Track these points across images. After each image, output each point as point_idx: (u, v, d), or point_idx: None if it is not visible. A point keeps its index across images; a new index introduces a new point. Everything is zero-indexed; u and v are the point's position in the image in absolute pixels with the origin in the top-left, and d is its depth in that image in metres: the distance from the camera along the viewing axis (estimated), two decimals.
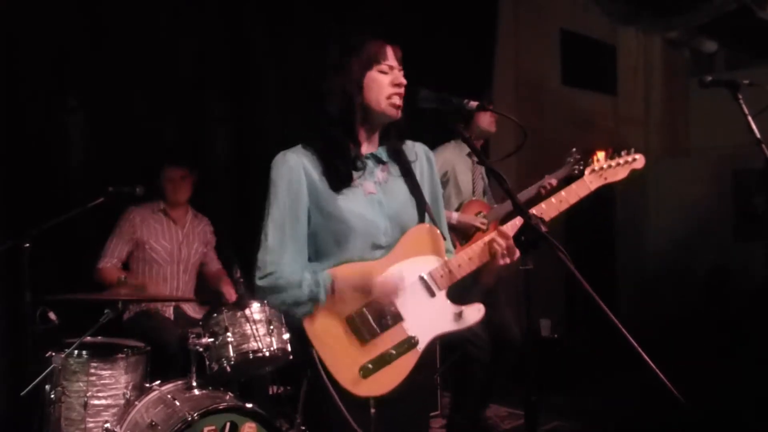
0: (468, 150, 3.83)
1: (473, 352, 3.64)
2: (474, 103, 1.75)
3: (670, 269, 7.06)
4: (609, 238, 7.33)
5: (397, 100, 1.81)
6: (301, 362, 1.82)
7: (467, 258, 1.86)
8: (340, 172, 1.82)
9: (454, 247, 3.73)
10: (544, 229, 1.61)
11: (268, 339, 3.00)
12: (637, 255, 7.48)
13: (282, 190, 1.82)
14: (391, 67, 1.82)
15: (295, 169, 1.82)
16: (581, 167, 3.53)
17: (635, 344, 1.42)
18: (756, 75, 3.14)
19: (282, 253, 1.80)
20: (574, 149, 3.89)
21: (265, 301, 3.06)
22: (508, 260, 1.83)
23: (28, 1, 3.54)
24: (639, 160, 2.10)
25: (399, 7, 4.76)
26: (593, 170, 2.02)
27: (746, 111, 2.34)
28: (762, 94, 2.30)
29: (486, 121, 3.80)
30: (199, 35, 4.17)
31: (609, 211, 7.25)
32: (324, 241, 1.83)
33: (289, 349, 3.04)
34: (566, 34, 6.77)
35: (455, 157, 3.81)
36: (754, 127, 2.32)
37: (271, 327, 3.02)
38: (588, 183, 2.00)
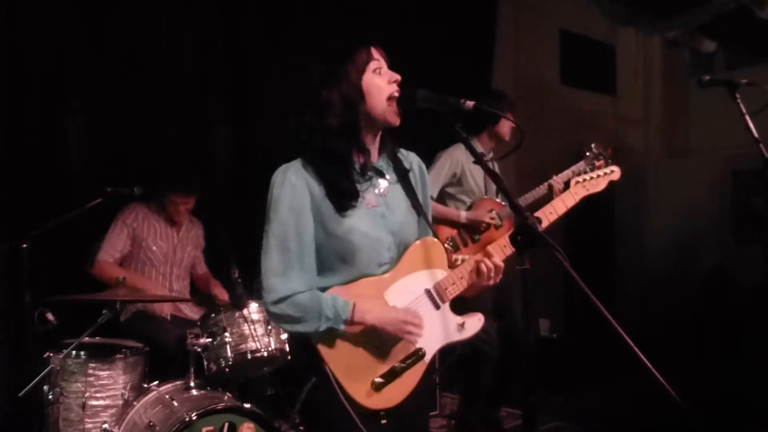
0: (479, 149, 3.84)
1: (484, 349, 3.64)
2: (471, 103, 1.74)
3: (669, 270, 7.05)
4: (608, 238, 7.32)
5: (395, 106, 1.80)
6: (308, 371, 1.81)
7: (469, 270, 1.90)
8: (344, 190, 1.79)
9: (455, 242, 3.76)
10: (540, 228, 1.61)
11: (267, 339, 3.01)
12: (637, 256, 7.47)
13: (284, 209, 1.77)
14: (381, 65, 1.82)
15: (298, 187, 1.78)
16: (603, 161, 3.52)
17: (632, 344, 1.42)
18: (755, 75, 3.15)
19: (289, 275, 1.76)
20: (593, 144, 3.87)
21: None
22: (491, 282, 1.87)
23: (29, 2, 3.54)
24: (615, 172, 2.25)
25: (399, 8, 4.76)
26: (577, 182, 2.17)
27: (744, 111, 2.34)
28: (760, 93, 2.30)
29: (505, 129, 3.84)
30: (199, 37, 4.17)
31: (608, 211, 7.24)
32: (328, 257, 1.81)
33: (288, 349, 3.04)
34: (566, 35, 6.76)
35: (465, 157, 3.79)
36: (752, 126, 2.32)
37: (269, 327, 3.02)
38: (573, 194, 2.13)
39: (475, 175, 3.85)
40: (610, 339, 1.46)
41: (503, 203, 3.88)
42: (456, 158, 3.78)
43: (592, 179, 2.19)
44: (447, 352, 3.90)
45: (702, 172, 7.34)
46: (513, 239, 1.66)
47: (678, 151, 7.99)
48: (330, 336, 1.76)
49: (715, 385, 4.34)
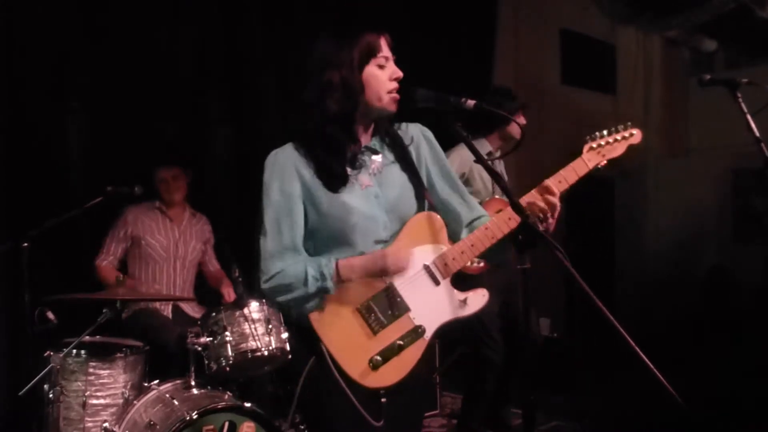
0: (488, 149, 3.78)
1: (487, 354, 3.58)
2: (471, 102, 1.75)
3: (669, 269, 7.05)
4: (608, 238, 7.32)
5: (395, 95, 1.81)
6: (304, 358, 1.80)
7: (470, 244, 1.85)
8: (334, 172, 1.80)
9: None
10: (541, 228, 1.61)
11: (267, 338, 3.00)
12: (637, 255, 7.47)
13: (274, 192, 1.81)
14: (387, 58, 1.82)
15: (287, 169, 1.81)
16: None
17: (632, 344, 1.42)
18: (755, 74, 3.14)
19: (281, 255, 1.79)
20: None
21: (264, 300, 3.06)
22: (552, 221, 1.80)
23: (29, 2, 3.54)
24: (636, 135, 2.03)
25: (398, 7, 4.76)
26: (591, 147, 1.96)
27: (745, 110, 2.34)
28: (761, 93, 2.30)
29: (516, 128, 3.75)
30: (199, 36, 4.17)
31: (608, 210, 7.24)
32: (323, 238, 1.82)
33: (288, 348, 3.03)
34: (566, 34, 6.77)
35: (472, 157, 3.72)
36: (753, 125, 2.32)
37: (270, 326, 3.02)
38: (586, 161, 1.95)
39: (483, 176, 3.75)
40: (610, 339, 1.46)
41: None
42: (465, 158, 3.66)
43: (608, 144, 1.96)
44: (447, 352, 3.92)
45: (702, 172, 7.33)
46: (514, 239, 1.65)
47: (678, 151, 7.97)
48: (325, 312, 1.77)
49: (715, 385, 4.34)
